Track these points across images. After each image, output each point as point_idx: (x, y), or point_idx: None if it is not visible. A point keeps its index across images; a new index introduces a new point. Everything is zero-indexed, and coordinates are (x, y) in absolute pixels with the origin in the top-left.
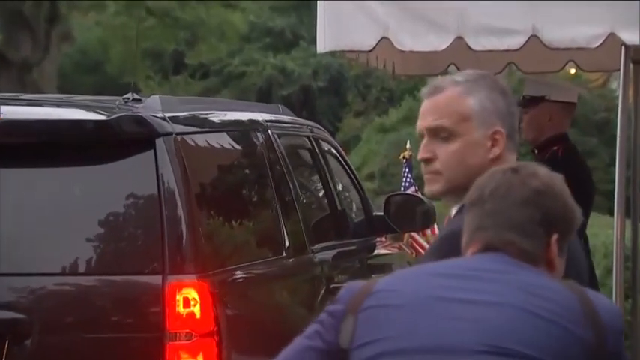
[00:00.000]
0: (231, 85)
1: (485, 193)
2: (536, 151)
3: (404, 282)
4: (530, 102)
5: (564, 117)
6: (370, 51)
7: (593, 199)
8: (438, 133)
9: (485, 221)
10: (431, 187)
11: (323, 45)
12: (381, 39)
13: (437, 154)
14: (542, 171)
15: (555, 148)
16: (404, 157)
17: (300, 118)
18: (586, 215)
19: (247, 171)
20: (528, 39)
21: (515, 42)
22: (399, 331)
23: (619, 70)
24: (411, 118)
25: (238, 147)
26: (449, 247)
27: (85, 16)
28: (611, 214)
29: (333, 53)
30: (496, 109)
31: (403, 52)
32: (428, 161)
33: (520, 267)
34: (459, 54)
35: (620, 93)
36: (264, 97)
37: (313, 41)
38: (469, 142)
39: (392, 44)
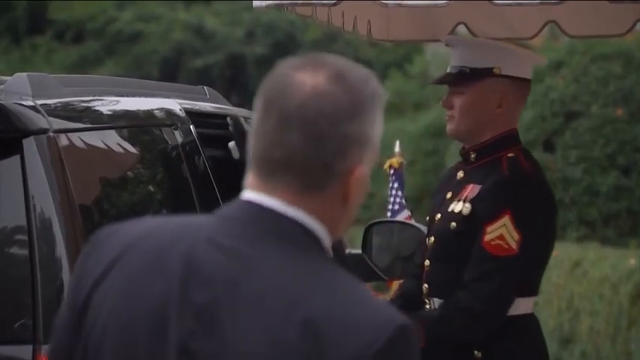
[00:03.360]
0: (119, 53)
1: None
2: (472, 156)
3: None
4: (467, 77)
5: (519, 102)
6: (334, 4)
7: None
8: None
9: None
10: None
11: None
12: None
13: None
14: None
15: (502, 154)
16: (391, 167)
17: (229, 101)
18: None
19: (159, 184)
20: None
21: None
22: None
23: None
24: (400, 106)
25: (146, 150)
26: None
27: None
28: None
29: (276, 8)
30: None
31: (385, 6)
32: None
33: None
34: (473, 9)
35: None
36: (170, 70)
37: None
38: None
39: None
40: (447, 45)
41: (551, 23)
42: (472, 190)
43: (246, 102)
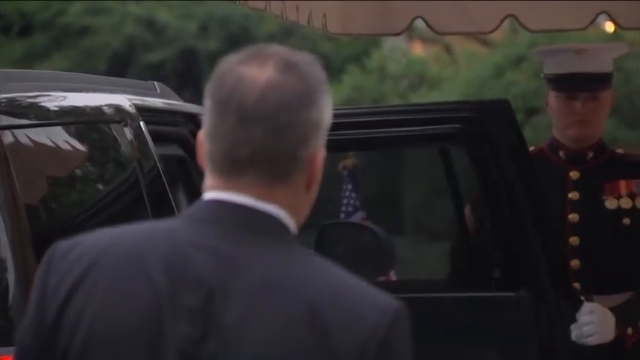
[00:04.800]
0: (67, 47)
1: None
2: (590, 155)
3: None
4: (604, 82)
5: None
6: None
7: None
8: None
9: None
10: None
11: None
12: None
13: None
14: None
15: (609, 150)
16: (344, 168)
17: (181, 98)
18: None
19: (108, 182)
20: None
21: None
22: None
23: None
24: (358, 101)
25: (94, 147)
26: None
27: None
28: None
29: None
30: None
31: None
32: None
33: None
34: (431, 2)
35: None
36: (121, 65)
37: None
38: None
39: None
40: (579, 52)
41: (510, 17)
42: (631, 185)
43: (198, 98)
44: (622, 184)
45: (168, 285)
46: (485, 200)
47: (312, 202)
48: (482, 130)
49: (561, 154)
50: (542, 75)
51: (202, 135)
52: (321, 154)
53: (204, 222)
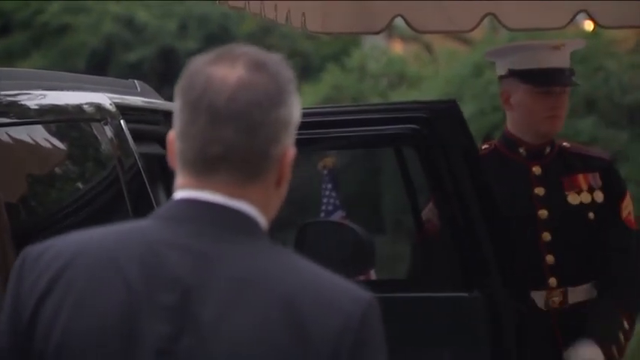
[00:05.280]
0: (46, 46)
1: None
2: (547, 150)
3: None
4: (569, 77)
5: None
6: None
7: None
8: None
9: None
10: None
11: None
12: None
13: None
14: None
15: (556, 144)
16: (324, 167)
17: (161, 96)
18: None
19: (88, 181)
20: None
21: None
22: None
23: None
24: (338, 100)
25: (74, 145)
26: None
27: None
28: None
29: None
30: None
31: None
32: None
33: None
34: (410, 1)
35: None
36: (100, 64)
37: None
38: None
39: None
40: (557, 47)
41: (490, 16)
42: (588, 179)
43: None
44: (580, 178)
45: (143, 284)
46: (436, 200)
47: (282, 198)
48: (431, 130)
49: (521, 150)
50: (504, 72)
51: (173, 135)
52: (291, 151)
53: (176, 221)
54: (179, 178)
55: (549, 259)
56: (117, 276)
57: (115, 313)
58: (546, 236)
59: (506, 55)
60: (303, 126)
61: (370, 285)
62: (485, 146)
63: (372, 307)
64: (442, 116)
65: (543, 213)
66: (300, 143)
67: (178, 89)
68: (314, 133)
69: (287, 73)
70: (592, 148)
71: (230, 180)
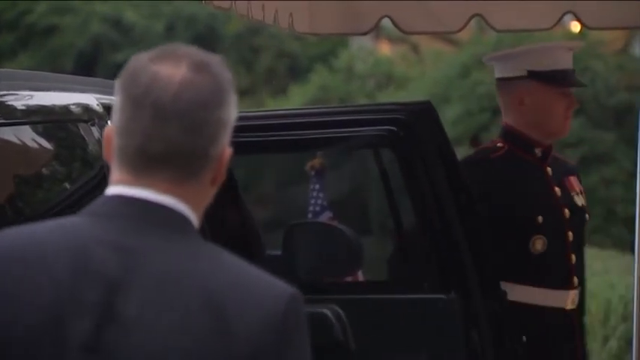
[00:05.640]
0: (33, 46)
1: None
2: (552, 150)
3: None
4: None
5: None
6: None
7: None
8: None
9: None
10: None
11: None
12: None
13: None
14: None
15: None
16: (312, 168)
17: None
18: None
19: (75, 182)
20: None
21: None
22: None
23: None
24: (325, 100)
25: (61, 146)
26: None
27: None
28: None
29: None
30: None
31: None
32: None
33: None
34: (398, 2)
35: None
36: (87, 64)
37: None
38: None
39: None
40: (571, 49)
41: (477, 17)
42: (577, 181)
43: None
44: (573, 180)
45: (71, 280)
46: (412, 202)
47: (212, 196)
48: (407, 131)
49: (537, 151)
50: (516, 73)
51: (110, 130)
52: (227, 151)
53: (107, 217)
54: (115, 174)
55: (572, 258)
56: (45, 272)
57: (42, 310)
58: (570, 235)
59: (520, 58)
60: (283, 127)
61: (346, 287)
62: (499, 145)
63: (295, 302)
64: (418, 117)
65: (567, 212)
66: (280, 145)
67: (119, 85)
68: (293, 135)
69: (227, 74)
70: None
71: (168, 178)
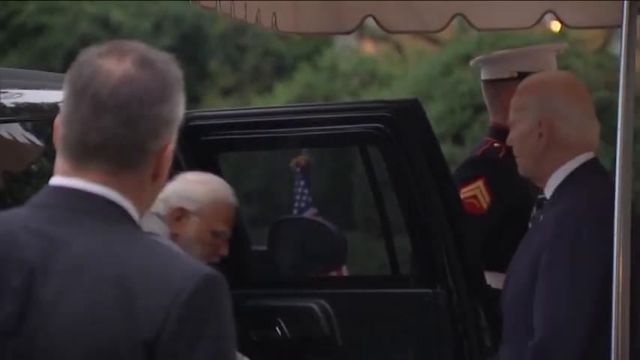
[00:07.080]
0: (23, 45)
1: None
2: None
3: None
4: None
5: None
6: None
7: None
8: None
9: None
10: None
11: None
12: None
13: None
14: None
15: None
16: (297, 165)
17: None
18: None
19: None
20: None
21: None
22: None
23: (620, 26)
24: (309, 99)
25: (51, 143)
26: None
27: None
28: None
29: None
30: None
31: None
32: None
33: None
34: (381, 1)
35: (622, 61)
36: None
37: None
38: None
39: None
40: (559, 50)
41: (459, 16)
42: None
43: None
44: None
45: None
46: (399, 198)
47: (159, 191)
48: (394, 129)
49: None
50: (508, 75)
51: (58, 120)
52: (170, 147)
53: (41, 207)
54: (58, 162)
55: None
56: None
57: None
58: None
59: (511, 60)
60: (270, 125)
61: (333, 282)
62: (495, 145)
63: (209, 281)
64: (405, 115)
65: None
66: (267, 141)
67: (67, 78)
68: (280, 132)
69: (175, 72)
70: None
71: (104, 168)
